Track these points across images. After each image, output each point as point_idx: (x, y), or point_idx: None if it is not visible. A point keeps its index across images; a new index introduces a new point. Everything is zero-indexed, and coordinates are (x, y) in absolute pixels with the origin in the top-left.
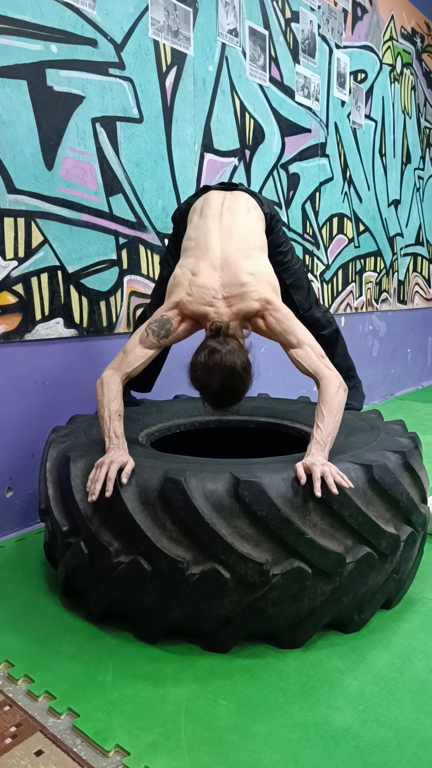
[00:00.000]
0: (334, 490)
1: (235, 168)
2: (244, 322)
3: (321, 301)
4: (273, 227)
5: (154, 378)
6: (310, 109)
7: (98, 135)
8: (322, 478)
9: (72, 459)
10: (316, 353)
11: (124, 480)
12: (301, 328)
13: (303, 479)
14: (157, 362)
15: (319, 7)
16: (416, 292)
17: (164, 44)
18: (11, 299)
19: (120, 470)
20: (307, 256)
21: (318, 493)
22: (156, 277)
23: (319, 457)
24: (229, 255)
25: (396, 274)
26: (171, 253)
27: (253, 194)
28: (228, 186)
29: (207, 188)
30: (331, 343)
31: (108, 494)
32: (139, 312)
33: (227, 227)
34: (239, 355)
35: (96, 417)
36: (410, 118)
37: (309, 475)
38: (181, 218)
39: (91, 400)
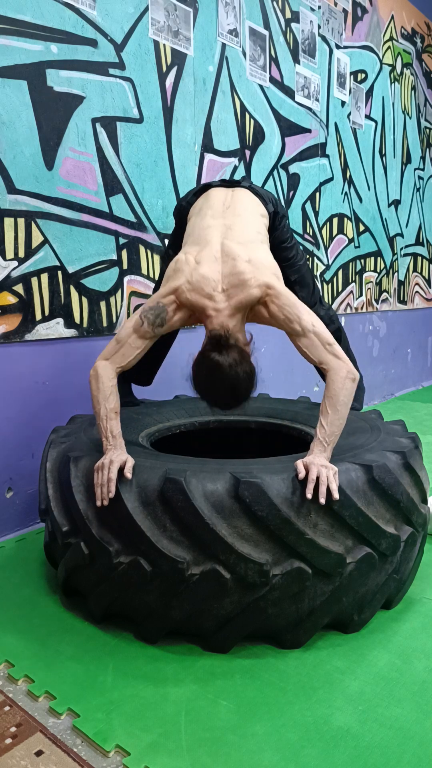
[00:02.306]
0: (321, 500)
1: (235, 168)
2: (247, 313)
3: (324, 299)
4: (277, 224)
5: (155, 371)
6: (310, 109)
7: (98, 135)
8: (317, 480)
9: (72, 459)
10: (322, 341)
11: (129, 475)
12: (306, 314)
13: (302, 474)
14: (158, 355)
15: (319, 7)
16: (416, 292)
17: (164, 44)
18: (11, 299)
19: (121, 470)
20: (307, 257)
21: (309, 495)
22: (156, 277)
23: (321, 458)
24: (228, 247)
25: (396, 274)
26: (172, 250)
27: (255, 192)
28: (230, 183)
29: (208, 186)
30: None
31: (111, 495)
32: None
33: (228, 224)
34: (242, 366)
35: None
36: (410, 118)
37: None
38: (180, 216)
39: (91, 401)
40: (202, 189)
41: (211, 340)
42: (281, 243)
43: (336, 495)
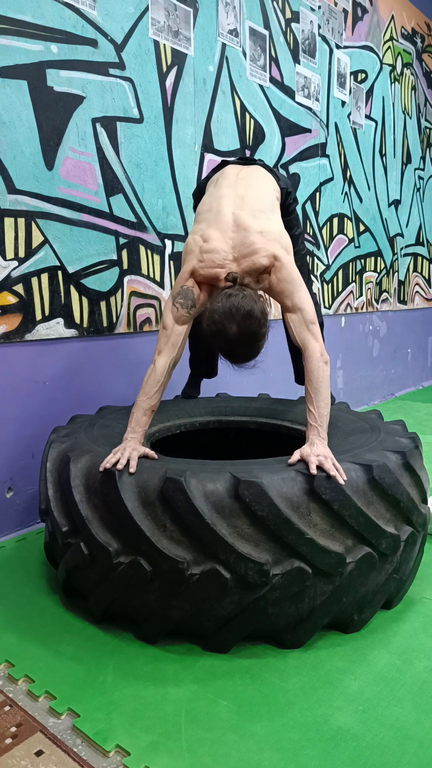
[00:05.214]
0: (341, 481)
1: None
2: (257, 277)
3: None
4: (289, 206)
5: (216, 362)
6: (310, 109)
7: (98, 135)
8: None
9: (72, 459)
10: (305, 319)
11: (155, 456)
12: (299, 292)
13: (293, 461)
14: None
15: (319, 7)
16: (416, 292)
17: (164, 44)
18: (11, 299)
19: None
20: (307, 257)
21: (313, 470)
22: (157, 277)
23: (317, 447)
24: (240, 218)
25: (396, 274)
26: None
27: (269, 169)
28: (246, 161)
29: (225, 162)
30: None
31: (132, 470)
32: (139, 312)
33: (240, 194)
34: (256, 300)
35: (96, 416)
36: (410, 118)
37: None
38: (199, 193)
39: (91, 401)
40: (220, 165)
41: (226, 281)
42: (289, 230)
43: (342, 480)
